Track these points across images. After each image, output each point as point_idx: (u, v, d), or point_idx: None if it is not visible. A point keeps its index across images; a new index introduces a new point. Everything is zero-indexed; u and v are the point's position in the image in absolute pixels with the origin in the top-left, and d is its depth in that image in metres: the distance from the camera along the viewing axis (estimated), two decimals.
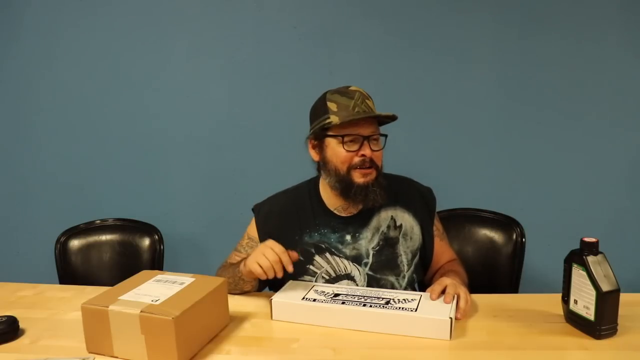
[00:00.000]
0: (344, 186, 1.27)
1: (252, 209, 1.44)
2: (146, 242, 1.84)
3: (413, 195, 1.40)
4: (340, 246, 1.33)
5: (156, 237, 1.84)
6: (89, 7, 2.09)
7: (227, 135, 2.14)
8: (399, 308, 1.09)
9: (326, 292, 1.20)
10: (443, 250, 1.43)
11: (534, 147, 2.05)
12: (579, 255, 1.05)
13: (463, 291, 1.15)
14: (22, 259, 2.29)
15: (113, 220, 1.92)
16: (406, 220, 1.36)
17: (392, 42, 2.03)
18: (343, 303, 1.13)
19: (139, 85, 2.14)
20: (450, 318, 1.04)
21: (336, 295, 1.17)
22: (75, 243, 1.84)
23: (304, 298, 1.17)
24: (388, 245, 1.34)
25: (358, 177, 1.26)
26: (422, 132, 2.07)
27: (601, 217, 2.05)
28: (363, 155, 1.24)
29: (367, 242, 1.33)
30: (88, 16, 2.10)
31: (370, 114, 1.24)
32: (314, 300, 1.15)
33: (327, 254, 1.32)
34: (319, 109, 1.29)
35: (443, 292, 1.15)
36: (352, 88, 1.28)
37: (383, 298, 1.15)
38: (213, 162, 2.16)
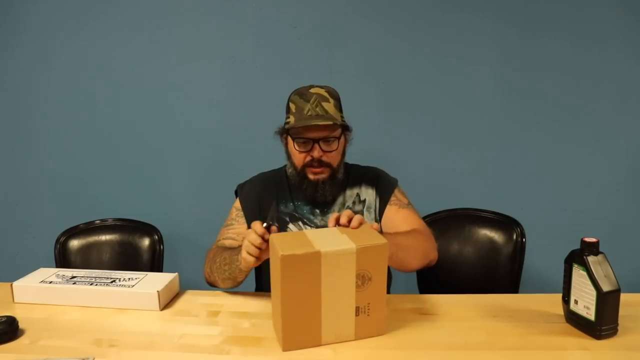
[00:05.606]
0: (299, 180, 1.44)
1: (235, 190, 1.55)
2: (146, 242, 1.84)
3: (377, 175, 1.53)
4: (311, 217, 1.46)
5: (156, 237, 1.84)
6: (88, 7, 2.09)
7: (227, 135, 2.14)
8: (120, 285, 1.29)
9: (65, 275, 1.37)
10: (401, 218, 1.45)
11: (534, 147, 2.05)
12: (579, 256, 1.05)
13: (351, 213, 1.16)
14: (22, 259, 2.29)
15: (113, 220, 1.92)
16: (369, 194, 1.49)
17: (391, 42, 2.02)
18: (74, 284, 1.30)
19: (138, 85, 2.13)
20: (158, 291, 1.23)
21: (73, 277, 1.35)
22: (75, 243, 1.84)
23: (42, 281, 1.32)
24: None
25: (310, 174, 1.41)
26: (422, 132, 2.07)
27: (601, 217, 2.05)
28: (312, 157, 1.38)
29: None
30: (87, 16, 2.10)
31: (314, 122, 1.33)
32: (50, 282, 1.32)
33: (300, 223, 1.45)
34: (286, 106, 1.43)
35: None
36: (313, 90, 1.39)
37: (110, 278, 1.33)
38: (213, 162, 2.16)
